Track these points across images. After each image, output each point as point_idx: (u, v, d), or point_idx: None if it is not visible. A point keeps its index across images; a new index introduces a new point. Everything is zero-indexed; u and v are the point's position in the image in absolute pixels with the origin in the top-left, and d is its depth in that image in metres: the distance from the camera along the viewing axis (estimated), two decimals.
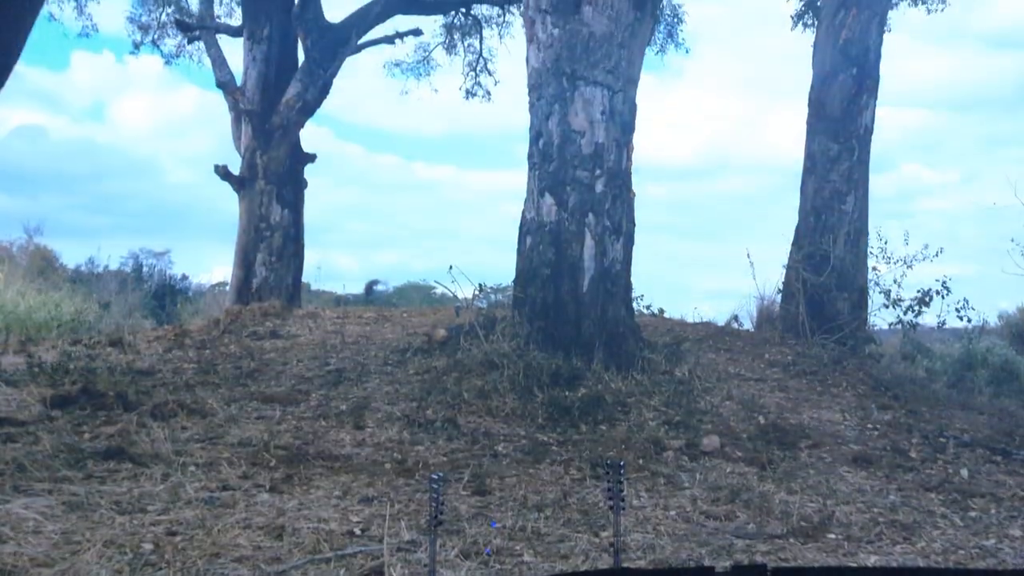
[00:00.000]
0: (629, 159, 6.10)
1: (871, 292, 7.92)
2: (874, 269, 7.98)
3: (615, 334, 5.81)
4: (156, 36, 12.58)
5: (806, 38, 9.97)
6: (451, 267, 6.40)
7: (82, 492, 3.21)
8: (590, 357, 5.59)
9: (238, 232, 10.47)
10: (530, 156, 6.09)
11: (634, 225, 6.13)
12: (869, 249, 7.97)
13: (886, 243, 8.05)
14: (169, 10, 12.38)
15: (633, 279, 6.19)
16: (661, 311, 8.58)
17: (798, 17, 10.51)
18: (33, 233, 15.60)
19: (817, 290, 7.58)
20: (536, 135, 6.04)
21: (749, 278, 8.65)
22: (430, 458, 4.08)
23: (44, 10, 11.96)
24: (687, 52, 13.02)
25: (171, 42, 12.66)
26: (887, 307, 7.89)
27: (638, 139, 6.16)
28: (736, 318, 8.50)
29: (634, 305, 6.59)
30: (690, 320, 8.43)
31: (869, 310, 7.90)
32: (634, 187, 6.14)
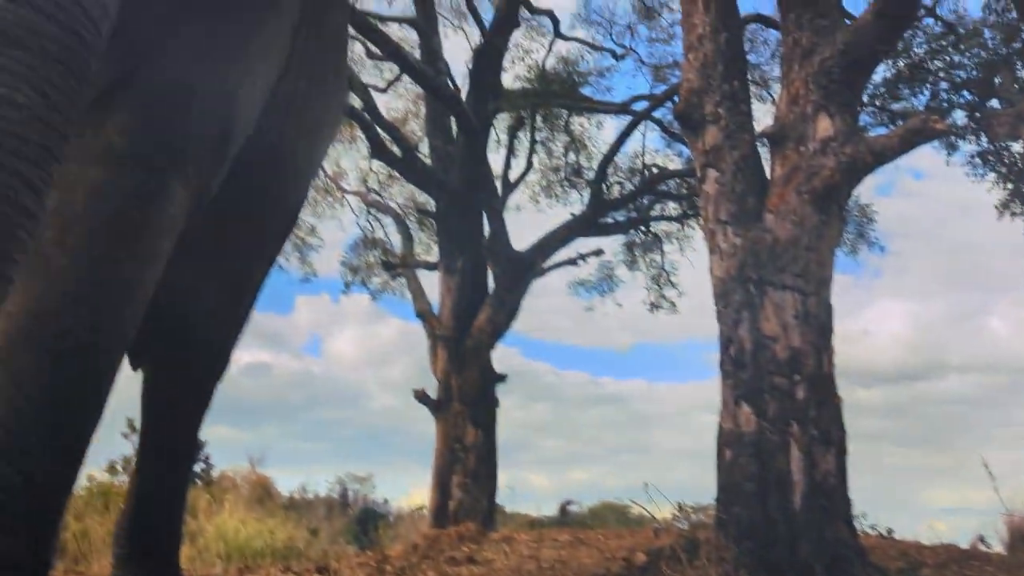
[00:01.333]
0: (830, 363, 5.74)
1: None
2: None
3: (837, 558, 5.18)
4: (364, 276, 14.05)
5: (1015, 228, 9.41)
6: (646, 485, 6.12)
7: None
8: None
9: (435, 454, 10.75)
10: (722, 364, 5.90)
11: (845, 433, 5.64)
12: None
13: None
14: (376, 252, 13.87)
15: (851, 494, 5.59)
16: (889, 531, 7.66)
17: (1003, 206, 9.98)
18: (256, 463, 16.83)
19: None
20: (726, 342, 5.87)
21: (989, 490, 7.57)
22: None
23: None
24: (881, 250, 12.60)
25: (377, 280, 14.07)
26: None
27: (839, 342, 5.82)
28: (982, 539, 7.38)
29: (856, 524, 5.91)
30: (925, 541, 7.42)
31: None
32: (840, 392, 5.72)
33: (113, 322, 1.56)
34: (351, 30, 10.79)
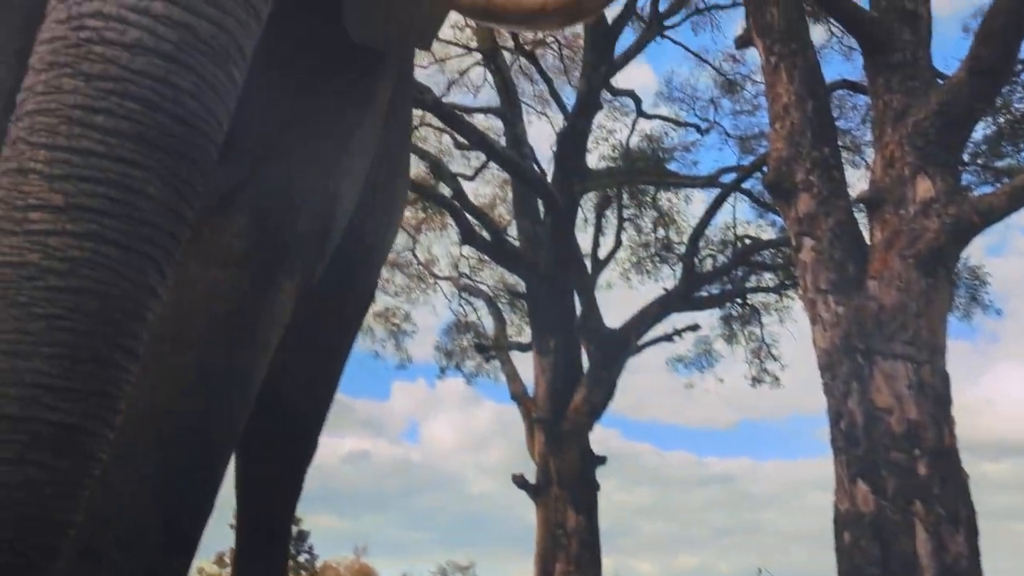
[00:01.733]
0: (952, 435, 5.39)
1: None
2: None
3: None
4: (459, 360, 14.20)
5: None
6: (760, 570, 5.82)
7: None
8: None
9: (536, 541, 10.53)
10: (833, 440, 5.63)
11: (974, 511, 5.24)
12: None
13: None
14: (469, 336, 14.03)
15: None
16: None
17: None
18: (360, 553, 16.86)
19: None
20: (836, 416, 5.61)
21: None
22: None
23: (370, 348, 14.08)
24: (997, 313, 11.90)
25: (471, 363, 14.19)
26: None
27: (959, 412, 5.48)
28: None
29: None
30: None
31: None
32: (965, 466, 5.36)
33: (227, 414, 1.63)
34: (440, 122, 11.24)
